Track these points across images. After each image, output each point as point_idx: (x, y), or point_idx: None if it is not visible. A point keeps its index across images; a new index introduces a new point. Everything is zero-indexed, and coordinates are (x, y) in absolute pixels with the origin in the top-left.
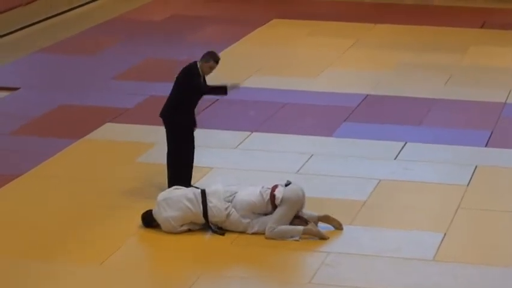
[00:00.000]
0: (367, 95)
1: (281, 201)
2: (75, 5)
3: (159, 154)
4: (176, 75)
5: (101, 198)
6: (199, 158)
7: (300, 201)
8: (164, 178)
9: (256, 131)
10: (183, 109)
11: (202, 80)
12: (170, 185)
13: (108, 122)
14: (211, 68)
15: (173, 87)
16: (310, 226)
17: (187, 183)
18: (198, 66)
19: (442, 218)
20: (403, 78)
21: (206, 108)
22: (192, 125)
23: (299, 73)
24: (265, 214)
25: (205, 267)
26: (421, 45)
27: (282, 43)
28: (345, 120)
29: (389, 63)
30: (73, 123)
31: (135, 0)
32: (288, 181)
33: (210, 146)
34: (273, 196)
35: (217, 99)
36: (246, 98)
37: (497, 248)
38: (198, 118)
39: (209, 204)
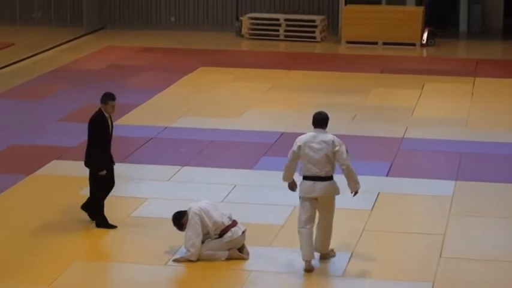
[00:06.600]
0: (283, 133)
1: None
2: (24, 57)
3: None
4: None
5: (47, 226)
6: (135, 190)
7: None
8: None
9: (186, 165)
10: (91, 153)
11: (109, 120)
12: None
13: (54, 159)
14: (113, 107)
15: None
16: (232, 252)
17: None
18: (103, 110)
19: (349, 239)
20: None
21: (141, 146)
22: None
23: (223, 114)
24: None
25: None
26: (329, 88)
27: (208, 88)
28: (264, 155)
29: (301, 104)
30: (23, 161)
31: (76, 53)
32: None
33: (145, 178)
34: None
35: (152, 138)
36: (177, 136)
37: (398, 265)
38: (134, 155)
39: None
